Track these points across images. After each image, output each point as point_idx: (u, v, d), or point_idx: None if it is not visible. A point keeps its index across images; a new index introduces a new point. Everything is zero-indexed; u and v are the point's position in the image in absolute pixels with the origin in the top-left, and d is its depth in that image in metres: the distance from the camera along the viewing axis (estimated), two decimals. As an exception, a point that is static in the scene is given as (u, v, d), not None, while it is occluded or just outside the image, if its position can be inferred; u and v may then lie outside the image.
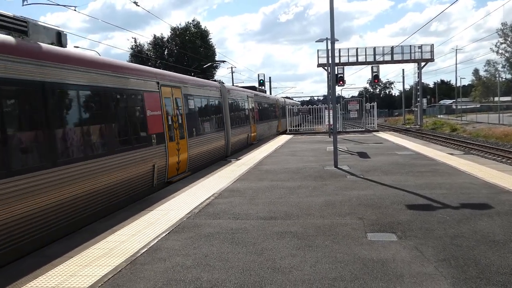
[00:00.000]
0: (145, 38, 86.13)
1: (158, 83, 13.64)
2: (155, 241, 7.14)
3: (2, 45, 7.40)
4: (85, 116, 9.72)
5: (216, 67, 70.78)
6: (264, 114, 33.69)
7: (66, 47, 10.07)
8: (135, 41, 66.23)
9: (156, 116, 13.00)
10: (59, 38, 9.85)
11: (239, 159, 18.23)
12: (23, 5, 13.78)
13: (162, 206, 9.70)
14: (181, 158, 14.52)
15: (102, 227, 8.12)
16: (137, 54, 60.77)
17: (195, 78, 19.66)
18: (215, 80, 24.39)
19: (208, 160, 17.64)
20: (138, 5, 19.08)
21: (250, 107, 26.67)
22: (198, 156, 16.29)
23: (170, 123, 13.92)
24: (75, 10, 15.74)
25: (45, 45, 8.85)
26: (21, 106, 7.78)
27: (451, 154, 17.47)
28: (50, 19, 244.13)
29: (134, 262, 6.23)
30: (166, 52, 67.19)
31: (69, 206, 8.44)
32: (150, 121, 12.51)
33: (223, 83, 23.57)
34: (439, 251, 6.17)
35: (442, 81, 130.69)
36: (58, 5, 15.04)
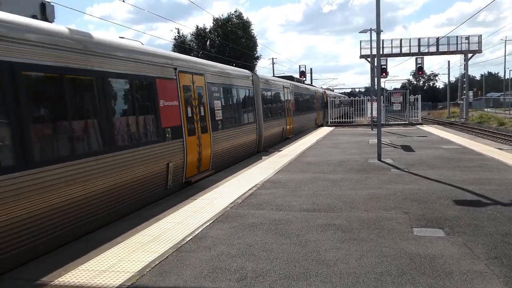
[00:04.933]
0: (188, 29, 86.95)
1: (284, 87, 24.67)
2: (200, 230, 7.22)
3: None
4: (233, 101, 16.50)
5: (257, 58, 70.84)
6: (302, 105, 31.86)
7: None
8: (178, 32, 66.98)
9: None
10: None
11: (281, 151, 18.20)
12: (73, -3, 14.03)
13: (206, 196, 9.81)
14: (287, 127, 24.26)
15: (147, 214, 8.29)
16: (180, 45, 61.41)
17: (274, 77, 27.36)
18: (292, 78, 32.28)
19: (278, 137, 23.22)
20: (183, -4, 19.18)
21: (287, 98, 26.16)
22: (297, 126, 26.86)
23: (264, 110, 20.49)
24: (123, 1, 15.87)
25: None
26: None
27: (500, 149, 16.88)
28: (96, 10, 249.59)
29: (180, 249, 6.32)
30: (208, 43, 67.60)
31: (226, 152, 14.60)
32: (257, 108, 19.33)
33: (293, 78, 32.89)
34: (490, 249, 5.98)
35: (489, 73, 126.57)
36: (107, -4, 15.27)
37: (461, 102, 60.51)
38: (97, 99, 8.27)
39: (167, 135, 10.55)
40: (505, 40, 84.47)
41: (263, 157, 16.03)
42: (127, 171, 8.82)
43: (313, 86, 46.18)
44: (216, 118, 14.02)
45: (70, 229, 7.20)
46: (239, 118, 16.69)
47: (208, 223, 7.58)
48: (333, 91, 63.08)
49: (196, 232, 7.09)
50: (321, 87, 54.53)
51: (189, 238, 6.79)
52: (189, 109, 12.02)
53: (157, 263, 5.79)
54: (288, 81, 28.28)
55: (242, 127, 16.74)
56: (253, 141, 18.18)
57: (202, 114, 12.95)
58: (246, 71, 19.96)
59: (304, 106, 31.71)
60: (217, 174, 12.74)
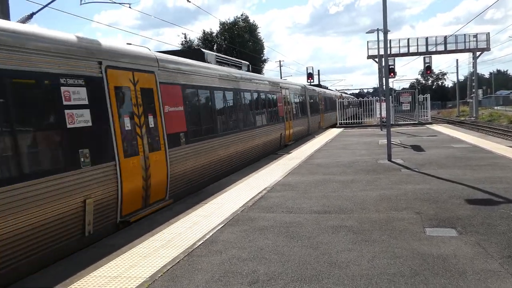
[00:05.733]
0: (195, 34, 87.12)
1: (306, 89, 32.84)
2: (211, 234, 7.22)
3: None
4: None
5: (264, 61, 70.94)
6: (328, 106, 41.00)
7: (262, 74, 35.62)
8: (185, 37, 67.26)
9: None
10: (249, 67, 20.03)
11: (290, 153, 18.18)
12: (80, 5, 14.16)
13: (216, 200, 9.81)
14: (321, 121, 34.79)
15: (159, 219, 8.31)
16: (187, 50, 61.64)
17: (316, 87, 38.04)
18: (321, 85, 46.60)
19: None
20: (189, 1, 19.27)
21: (321, 101, 36.52)
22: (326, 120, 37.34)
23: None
24: (129, 7, 16.00)
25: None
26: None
27: (511, 146, 16.72)
28: (104, 17, 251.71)
29: (191, 254, 6.32)
30: (215, 47, 67.77)
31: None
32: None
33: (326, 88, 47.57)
34: (504, 248, 5.91)
35: (498, 71, 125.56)
36: (114, 2, 15.33)
37: (471, 100, 60.09)
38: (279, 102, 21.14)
39: (280, 120, 21.54)
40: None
41: (272, 160, 16.00)
42: (272, 134, 19.60)
43: (332, 90, 58.58)
44: (293, 113, 24.79)
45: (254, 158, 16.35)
46: (300, 113, 27.25)
47: (219, 227, 7.58)
48: (346, 94, 69.19)
49: (207, 236, 7.09)
50: (337, 90, 65.03)
51: (200, 243, 6.79)
52: (284, 106, 22.48)
53: (169, 268, 5.79)
54: (319, 88, 41.10)
55: (301, 119, 27.27)
56: (305, 128, 28.45)
57: (289, 110, 23.53)
58: (302, 84, 32.07)
59: (329, 106, 41.16)
60: (227, 177, 12.76)
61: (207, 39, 67.80)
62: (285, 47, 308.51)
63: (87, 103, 7.50)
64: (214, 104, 13.45)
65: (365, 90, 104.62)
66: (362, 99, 38.57)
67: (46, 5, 13.64)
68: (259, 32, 69.54)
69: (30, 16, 12.69)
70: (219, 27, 68.09)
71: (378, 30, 28.55)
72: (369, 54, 54.08)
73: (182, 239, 7.00)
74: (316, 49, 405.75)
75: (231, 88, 15.07)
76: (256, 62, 65.53)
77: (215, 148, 12.84)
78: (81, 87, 7.43)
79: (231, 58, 17.82)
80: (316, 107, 33.53)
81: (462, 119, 57.95)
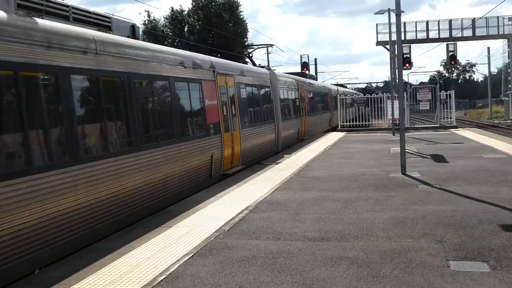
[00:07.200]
0: (160, 12, 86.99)
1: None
2: (176, 266, 7.15)
3: None
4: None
5: (248, 47, 71.12)
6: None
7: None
8: (149, 15, 67.09)
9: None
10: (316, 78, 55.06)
11: (279, 163, 18.20)
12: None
13: (185, 221, 9.76)
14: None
15: (108, 247, 8.19)
16: (151, 31, 61.48)
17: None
18: None
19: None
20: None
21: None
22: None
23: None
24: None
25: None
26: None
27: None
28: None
29: (150, 292, 6.23)
30: (186, 29, 67.76)
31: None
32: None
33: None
34: (548, 287, 5.92)
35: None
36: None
37: (506, 98, 60.89)
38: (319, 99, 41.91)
39: (299, 113, 31.55)
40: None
41: (257, 171, 15.99)
42: (327, 116, 42.83)
43: (347, 88, 75.91)
44: (333, 105, 44.05)
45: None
46: (335, 106, 42.57)
47: (187, 258, 7.52)
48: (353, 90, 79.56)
49: (172, 270, 7.01)
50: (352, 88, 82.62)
51: (162, 278, 6.71)
52: (330, 101, 44.84)
53: (120, 311, 5.68)
54: (340, 87, 61.86)
55: (336, 110, 41.87)
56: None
57: (331, 104, 44.50)
58: (328, 85, 52.93)
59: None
60: (198, 193, 12.72)
61: (176, 19, 67.74)
62: (274, 30, 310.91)
63: (296, 97, 30.17)
64: (311, 96, 34.60)
65: (374, 85, 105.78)
66: (369, 96, 38.81)
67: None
68: (241, 11, 69.81)
69: None
70: (192, 4, 68.13)
71: (389, 10, 28.84)
72: (379, 39, 54.63)
73: (139, 273, 6.91)
74: (313, 33, 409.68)
75: (314, 91, 36.80)
76: (238, 47, 65.65)
77: (319, 119, 36.42)
78: (295, 91, 30.22)
79: (309, 73, 40.74)
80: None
81: (496, 122, 58.68)
